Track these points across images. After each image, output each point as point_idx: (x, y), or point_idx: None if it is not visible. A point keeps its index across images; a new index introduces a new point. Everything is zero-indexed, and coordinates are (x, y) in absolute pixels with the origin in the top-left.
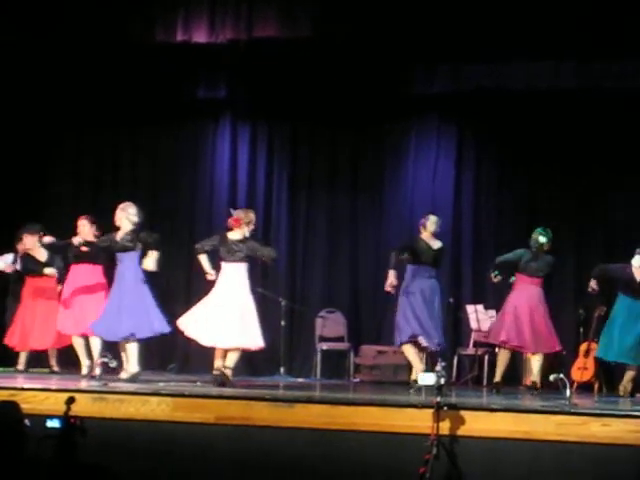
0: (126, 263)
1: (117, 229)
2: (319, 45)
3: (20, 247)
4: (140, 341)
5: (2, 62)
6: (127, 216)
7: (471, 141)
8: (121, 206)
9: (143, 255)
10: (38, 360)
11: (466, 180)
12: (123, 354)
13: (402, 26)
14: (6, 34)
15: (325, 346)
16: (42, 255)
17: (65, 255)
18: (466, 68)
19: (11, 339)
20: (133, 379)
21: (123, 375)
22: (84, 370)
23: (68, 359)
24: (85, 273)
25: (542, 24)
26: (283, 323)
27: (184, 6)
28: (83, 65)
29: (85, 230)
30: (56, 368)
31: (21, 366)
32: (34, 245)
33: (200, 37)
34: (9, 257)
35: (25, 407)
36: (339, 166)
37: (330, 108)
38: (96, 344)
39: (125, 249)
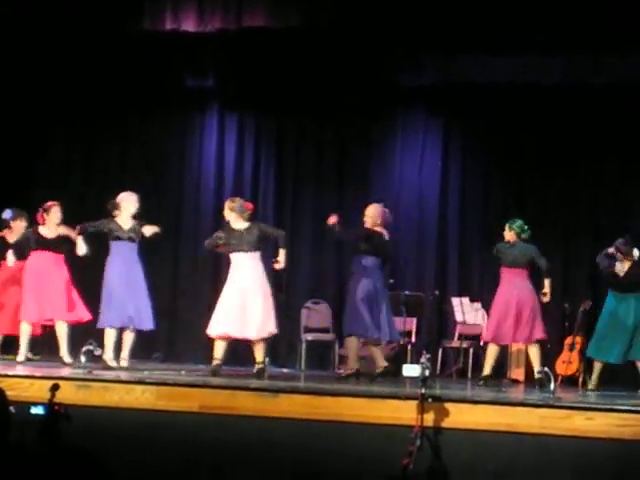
0: (131, 253)
1: (112, 217)
2: (307, 36)
3: (3, 233)
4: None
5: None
6: (130, 205)
7: (457, 134)
8: (124, 195)
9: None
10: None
11: (452, 173)
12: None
13: (390, 17)
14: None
15: (310, 337)
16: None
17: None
18: (453, 61)
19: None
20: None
21: (123, 363)
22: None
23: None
24: (47, 261)
25: (530, 17)
26: None
27: None
28: (70, 54)
29: (57, 216)
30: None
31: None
32: (21, 230)
33: (189, 26)
34: None
35: (9, 394)
36: (326, 157)
37: (317, 99)
38: (63, 331)
39: (131, 239)
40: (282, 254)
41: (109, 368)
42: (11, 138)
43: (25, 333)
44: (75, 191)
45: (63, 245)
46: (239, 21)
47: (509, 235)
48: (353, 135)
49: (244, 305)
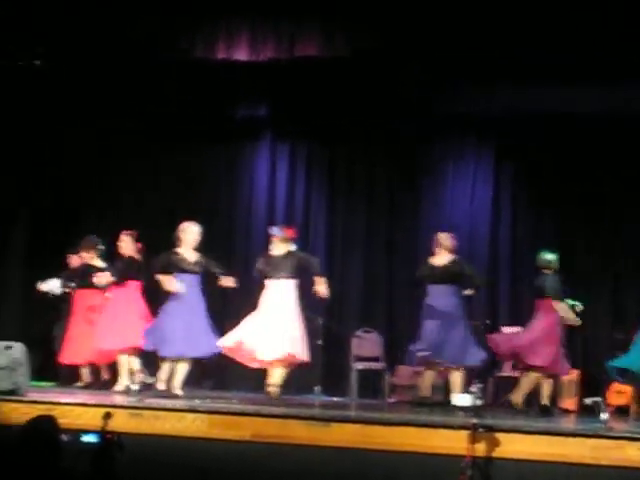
0: (193, 285)
1: (173, 246)
2: (357, 65)
3: (74, 262)
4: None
5: (48, 73)
6: (189, 236)
7: (509, 164)
8: (184, 226)
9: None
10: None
11: (503, 202)
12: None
13: (441, 48)
14: (58, 49)
15: (361, 366)
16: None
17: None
18: (504, 90)
19: (65, 356)
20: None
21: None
22: (117, 387)
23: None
24: (125, 290)
25: (583, 47)
26: (320, 342)
27: (226, 23)
28: (122, 83)
29: (128, 246)
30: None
31: (82, 383)
32: (91, 259)
33: (241, 55)
34: (56, 282)
35: (62, 422)
36: (377, 187)
37: (368, 128)
38: (135, 361)
39: (193, 272)
40: (320, 281)
41: (169, 396)
42: (65, 167)
43: (123, 362)
44: (127, 219)
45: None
46: (291, 51)
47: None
48: (404, 164)
49: (265, 326)
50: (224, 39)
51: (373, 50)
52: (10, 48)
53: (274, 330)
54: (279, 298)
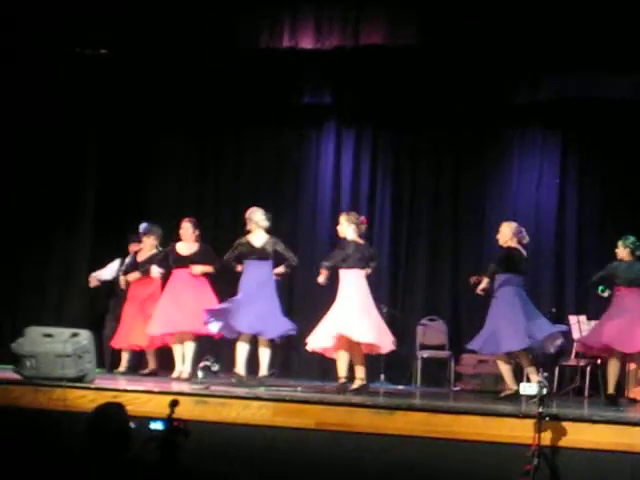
0: (262, 270)
1: (246, 233)
2: (423, 53)
3: (133, 248)
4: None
5: (116, 62)
6: (257, 222)
7: (575, 151)
8: (251, 211)
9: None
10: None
11: (570, 190)
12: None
13: (506, 34)
14: (124, 37)
15: (426, 354)
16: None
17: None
18: (571, 77)
19: (118, 341)
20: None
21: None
22: (174, 373)
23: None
24: (186, 277)
25: None
26: None
27: (290, 12)
28: (189, 69)
29: (187, 233)
30: (153, 367)
31: (122, 368)
32: (150, 246)
33: (306, 43)
34: (115, 264)
35: (128, 409)
36: (442, 173)
37: (433, 115)
38: (190, 348)
39: (261, 258)
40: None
41: (243, 384)
42: (126, 151)
43: (178, 349)
44: (191, 207)
45: (201, 261)
46: (356, 38)
47: (623, 253)
48: (469, 151)
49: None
50: (289, 28)
51: (439, 38)
52: (76, 35)
53: (363, 319)
54: (354, 290)
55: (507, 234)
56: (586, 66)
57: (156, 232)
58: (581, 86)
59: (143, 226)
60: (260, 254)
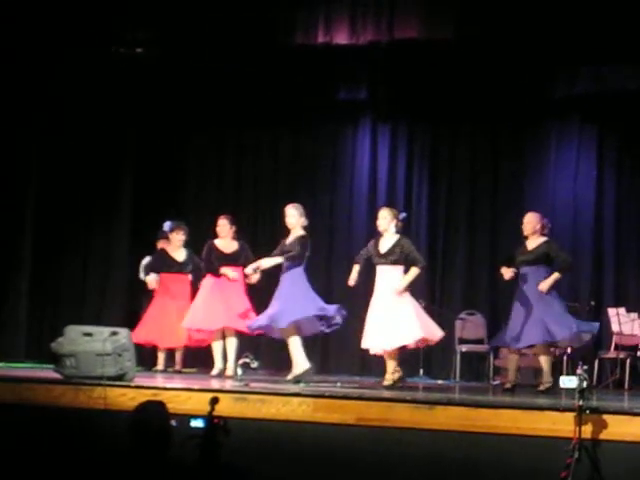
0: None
1: (288, 231)
2: (460, 47)
3: (161, 244)
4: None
5: (152, 60)
6: (299, 219)
7: (613, 143)
8: (293, 207)
9: None
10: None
11: (607, 182)
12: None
13: (542, 28)
14: (159, 36)
15: (464, 348)
16: (180, 255)
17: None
18: (608, 70)
19: (140, 336)
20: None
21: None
22: (214, 371)
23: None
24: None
25: None
26: None
27: (325, 8)
28: (225, 66)
29: (225, 230)
30: (179, 367)
31: (160, 366)
32: (178, 243)
33: (341, 39)
34: (146, 262)
35: (168, 407)
36: (479, 167)
37: (470, 109)
38: (233, 345)
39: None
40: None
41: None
42: (163, 148)
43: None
44: (225, 203)
45: (241, 258)
46: (391, 33)
47: None
48: (507, 145)
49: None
50: (323, 24)
51: (476, 32)
52: (112, 33)
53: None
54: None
55: (535, 223)
56: (622, 59)
57: (183, 228)
58: (617, 79)
59: (168, 224)
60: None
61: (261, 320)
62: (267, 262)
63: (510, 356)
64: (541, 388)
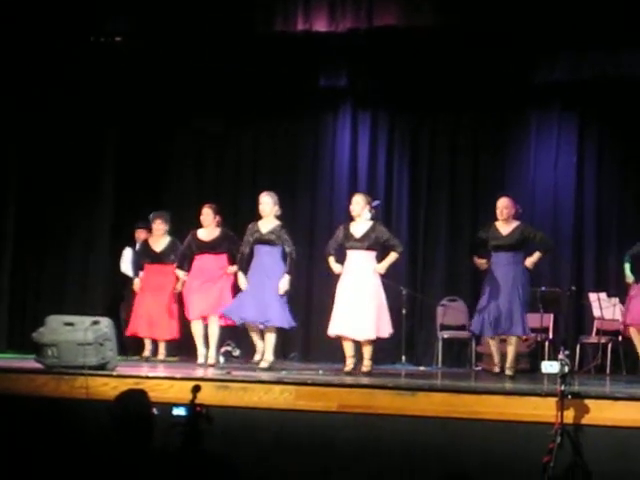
0: (270, 256)
1: (258, 218)
2: (440, 34)
3: (140, 235)
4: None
5: (132, 49)
6: (273, 208)
7: (593, 130)
8: (267, 195)
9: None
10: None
11: (588, 168)
12: (258, 342)
13: (522, 13)
14: (138, 25)
15: (446, 334)
16: (159, 245)
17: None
18: (589, 55)
19: (132, 328)
20: (270, 368)
21: (263, 364)
22: (200, 359)
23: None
24: (208, 263)
25: None
26: (404, 311)
27: None
28: (203, 55)
29: (209, 219)
30: (162, 356)
31: (147, 352)
32: (158, 232)
33: (320, 26)
34: (128, 253)
35: (150, 395)
36: (460, 154)
37: (450, 96)
38: (215, 333)
39: (269, 243)
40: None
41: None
42: (144, 137)
43: (196, 334)
44: (207, 191)
45: (222, 245)
46: (370, 20)
47: None
48: (487, 132)
49: (354, 306)
50: (303, 11)
51: (455, 18)
52: (90, 23)
53: (364, 309)
54: (363, 272)
55: (512, 207)
56: (602, 44)
57: (162, 216)
58: (597, 65)
59: (152, 215)
60: (267, 239)
61: (249, 314)
62: (286, 282)
63: (490, 342)
64: (506, 372)
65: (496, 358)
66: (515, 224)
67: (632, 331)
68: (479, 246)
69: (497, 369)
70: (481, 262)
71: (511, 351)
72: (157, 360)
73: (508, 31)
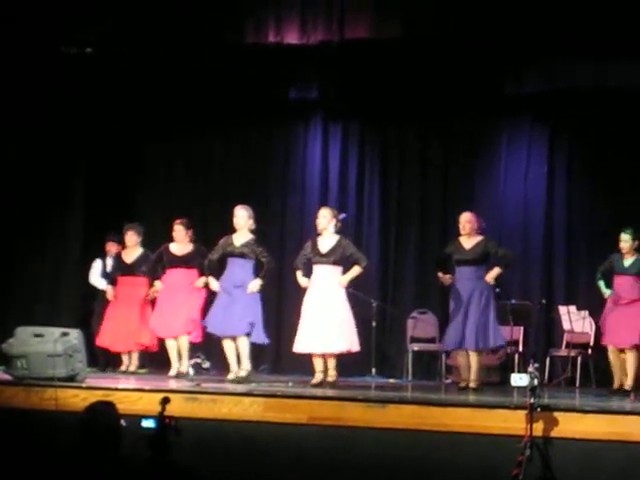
0: (242, 269)
1: (233, 231)
2: (410, 46)
3: (111, 247)
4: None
5: (102, 61)
6: (247, 221)
7: (564, 141)
8: (242, 208)
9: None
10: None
11: (558, 180)
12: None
13: (493, 24)
14: (109, 35)
15: (416, 347)
16: (131, 256)
17: (161, 259)
18: (558, 67)
19: (103, 340)
20: (246, 380)
21: (230, 376)
22: (172, 371)
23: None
24: (180, 277)
25: (637, 21)
26: (374, 324)
27: (275, 8)
28: (175, 66)
29: (180, 235)
30: (133, 368)
31: (124, 367)
32: (129, 243)
33: (291, 38)
34: (97, 265)
35: (119, 407)
36: (430, 166)
37: (421, 108)
38: (185, 345)
39: (241, 255)
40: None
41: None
42: (110, 152)
43: (170, 348)
44: (177, 203)
45: (194, 260)
46: (341, 33)
47: (630, 243)
48: (458, 143)
49: (319, 320)
50: (274, 23)
51: (425, 31)
52: (62, 33)
53: (328, 323)
54: (329, 286)
55: (474, 222)
56: (573, 56)
57: (133, 228)
58: (568, 77)
59: (125, 226)
60: (240, 252)
61: (218, 326)
62: (256, 285)
63: (457, 356)
64: (470, 385)
65: (464, 372)
66: (478, 239)
67: (611, 349)
68: (443, 261)
69: (463, 384)
70: (445, 277)
71: (474, 364)
72: (128, 372)
73: (478, 43)
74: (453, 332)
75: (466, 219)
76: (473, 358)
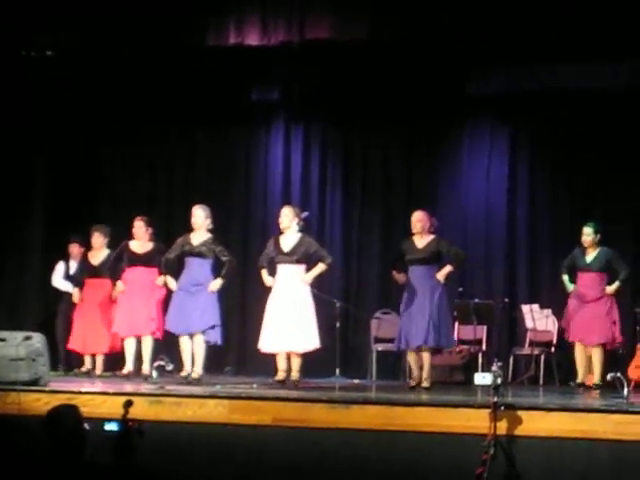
0: (200, 268)
1: (190, 230)
2: (372, 47)
3: (74, 249)
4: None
5: (63, 64)
6: (205, 221)
7: (525, 143)
8: (199, 208)
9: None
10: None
11: (520, 180)
12: (185, 355)
13: (454, 27)
14: (69, 38)
15: (380, 347)
16: (96, 258)
17: (121, 258)
18: (520, 69)
19: (74, 344)
20: (198, 382)
21: (183, 374)
22: (125, 370)
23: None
24: (140, 276)
25: (597, 24)
26: (338, 324)
27: (236, 9)
28: (136, 69)
29: (141, 232)
30: (98, 371)
31: (85, 368)
32: (95, 245)
33: (252, 40)
34: (60, 268)
35: (83, 411)
36: (392, 168)
37: (383, 110)
38: (148, 347)
39: (200, 255)
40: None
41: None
42: (77, 151)
43: (128, 346)
44: (141, 206)
45: (154, 259)
46: (302, 34)
47: (593, 237)
48: (420, 145)
49: (280, 319)
50: (235, 25)
51: (388, 32)
52: (22, 37)
53: (289, 322)
54: (290, 284)
55: (426, 221)
56: (535, 57)
57: (99, 229)
58: (529, 79)
59: (98, 227)
60: (199, 252)
61: (175, 324)
62: (217, 284)
63: (409, 356)
64: (422, 384)
65: (415, 372)
66: (430, 238)
67: (577, 346)
68: (398, 260)
69: (413, 383)
70: (399, 276)
71: (426, 362)
72: (93, 375)
73: (441, 44)
74: (403, 331)
75: (417, 218)
76: (425, 356)
